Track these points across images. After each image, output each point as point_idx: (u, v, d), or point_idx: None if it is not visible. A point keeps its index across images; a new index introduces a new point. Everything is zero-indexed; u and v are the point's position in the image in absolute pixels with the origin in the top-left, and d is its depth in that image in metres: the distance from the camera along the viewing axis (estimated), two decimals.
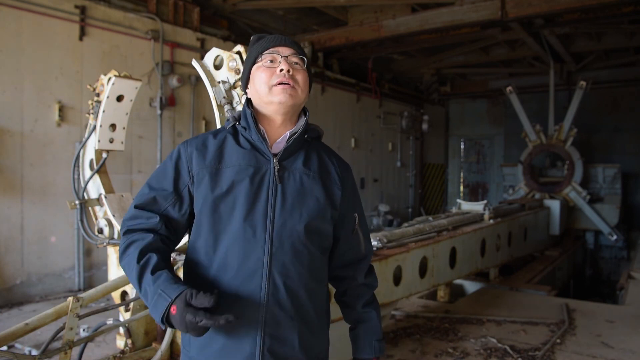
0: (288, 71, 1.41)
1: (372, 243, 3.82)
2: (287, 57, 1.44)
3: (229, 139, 1.46)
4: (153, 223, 1.40)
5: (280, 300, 1.36)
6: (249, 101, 1.50)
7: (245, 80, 1.52)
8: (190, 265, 1.44)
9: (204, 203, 1.39)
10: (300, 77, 1.45)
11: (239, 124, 1.47)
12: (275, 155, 1.43)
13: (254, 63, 1.48)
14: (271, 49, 1.45)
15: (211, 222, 1.38)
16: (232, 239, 1.36)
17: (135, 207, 1.43)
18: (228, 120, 1.50)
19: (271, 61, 1.44)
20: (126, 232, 1.41)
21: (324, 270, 1.51)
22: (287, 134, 1.46)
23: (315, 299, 1.46)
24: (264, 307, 1.34)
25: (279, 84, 1.40)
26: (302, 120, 1.49)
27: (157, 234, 1.39)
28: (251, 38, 1.56)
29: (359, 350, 1.58)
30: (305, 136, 1.49)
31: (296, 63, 1.45)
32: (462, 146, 15.13)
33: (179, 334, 2.87)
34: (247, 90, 1.52)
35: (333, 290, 1.66)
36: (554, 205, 8.84)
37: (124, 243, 1.38)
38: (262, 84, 1.42)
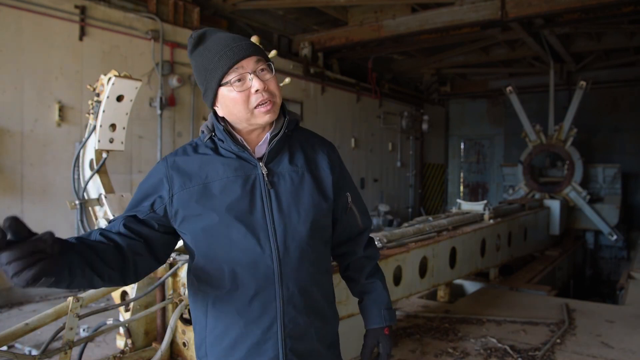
0: (264, 88, 1.33)
1: None
2: (255, 71, 1.34)
3: (209, 152, 1.40)
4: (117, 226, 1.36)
5: (295, 301, 1.37)
6: (216, 113, 1.42)
7: (211, 99, 1.40)
8: (200, 283, 1.42)
9: (198, 221, 1.35)
10: (273, 84, 1.37)
11: (215, 134, 1.41)
12: (259, 159, 1.39)
13: (219, 83, 1.34)
14: (235, 66, 1.32)
15: (210, 239, 1.35)
16: (238, 253, 1.34)
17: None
18: (203, 132, 1.43)
19: (240, 80, 1.33)
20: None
21: (328, 259, 1.53)
22: (268, 135, 1.41)
23: (324, 289, 1.48)
24: (281, 312, 1.36)
25: (259, 105, 1.34)
26: (283, 121, 1.43)
27: (119, 234, 1.34)
28: (189, 40, 1.40)
29: (369, 320, 1.60)
30: (285, 131, 1.43)
31: (263, 70, 1.36)
32: (462, 146, 15.13)
33: (179, 334, 2.87)
34: (215, 108, 1.42)
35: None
36: (554, 205, 8.84)
37: None
38: (240, 110, 1.34)
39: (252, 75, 1.33)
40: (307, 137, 1.53)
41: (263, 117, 1.35)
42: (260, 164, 1.38)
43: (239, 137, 1.40)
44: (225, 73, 1.33)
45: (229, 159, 1.39)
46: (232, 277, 1.35)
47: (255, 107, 1.34)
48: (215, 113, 1.43)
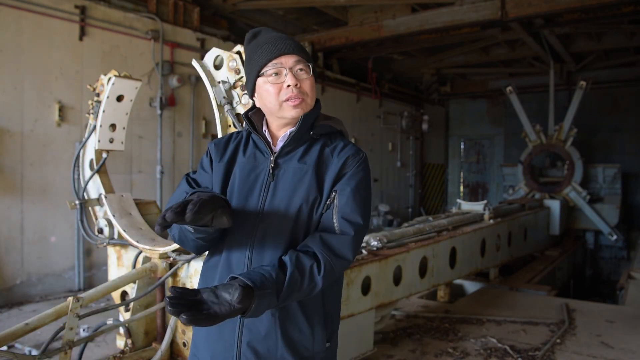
0: (296, 85, 1.40)
1: (372, 243, 3.81)
2: (291, 68, 1.41)
3: (242, 140, 1.54)
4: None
5: None
6: (253, 106, 1.54)
7: (251, 90, 1.51)
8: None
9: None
10: (308, 85, 1.44)
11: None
12: (275, 153, 1.46)
13: (258, 74, 1.44)
14: (274, 61, 1.41)
15: None
16: (229, 234, 1.43)
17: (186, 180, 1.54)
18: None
19: (276, 74, 1.41)
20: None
21: None
22: (288, 132, 1.47)
23: None
24: None
25: (289, 99, 1.40)
26: (301, 118, 1.43)
27: None
28: (246, 35, 1.53)
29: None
30: (311, 133, 1.46)
31: (301, 69, 1.43)
32: (462, 146, 15.12)
33: (179, 334, 2.88)
34: (254, 99, 1.53)
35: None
36: (554, 205, 8.84)
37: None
38: (271, 100, 1.43)
39: (287, 71, 1.41)
40: (337, 142, 1.49)
41: (291, 110, 1.42)
42: (272, 157, 1.44)
43: (264, 127, 1.50)
44: (264, 65, 1.42)
45: (251, 148, 1.51)
46: (219, 253, 1.45)
47: (284, 101, 1.41)
48: (252, 106, 1.55)
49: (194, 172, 1.56)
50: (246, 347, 1.37)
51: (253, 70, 1.46)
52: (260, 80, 1.45)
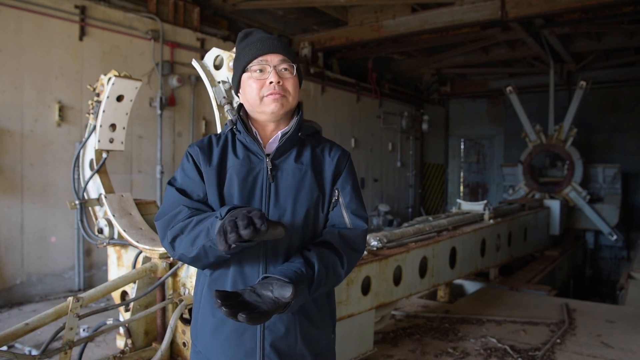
0: (278, 82, 1.44)
1: (372, 243, 3.81)
2: (276, 66, 1.45)
3: (228, 142, 1.51)
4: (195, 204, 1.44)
5: None
6: (241, 105, 1.54)
7: (236, 85, 1.56)
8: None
9: (211, 201, 1.46)
10: (290, 84, 1.48)
11: (236, 127, 1.51)
12: (268, 155, 1.46)
13: (243, 70, 1.50)
14: (259, 58, 1.46)
15: None
16: None
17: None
18: (226, 124, 1.55)
19: (260, 71, 1.46)
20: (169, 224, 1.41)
21: None
22: (279, 133, 1.50)
23: None
24: None
25: (269, 95, 1.44)
26: (294, 120, 1.51)
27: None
28: (239, 34, 1.58)
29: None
30: (299, 134, 1.51)
31: (285, 69, 1.47)
32: (462, 146, 15.13)
33: (179, 334, 2.88)
34: (239, 95, 1.56)
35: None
36: (554, 205, 8.84)
37: (170, 235, 1.39)
38: (253, 95, 1.46)
39: (271, 68, 1.45)
40: (322, 143, 1.57)
41: (270, 105, 1.44)
42: (267, 159, 1.45)
43: (254, 130, 1.50)
44: (250, 61, 1.47)
45: (241, 150, 1.49)
46: (225, 265, 1.41)
47: (265, 96, 1.44)
48: (240, 105, 1.55)
49: (175, 180, 1.49)
50: (269, 349, 1.38)
51: (239, 66, 1.50)
52: (245, 76, 1.49)
